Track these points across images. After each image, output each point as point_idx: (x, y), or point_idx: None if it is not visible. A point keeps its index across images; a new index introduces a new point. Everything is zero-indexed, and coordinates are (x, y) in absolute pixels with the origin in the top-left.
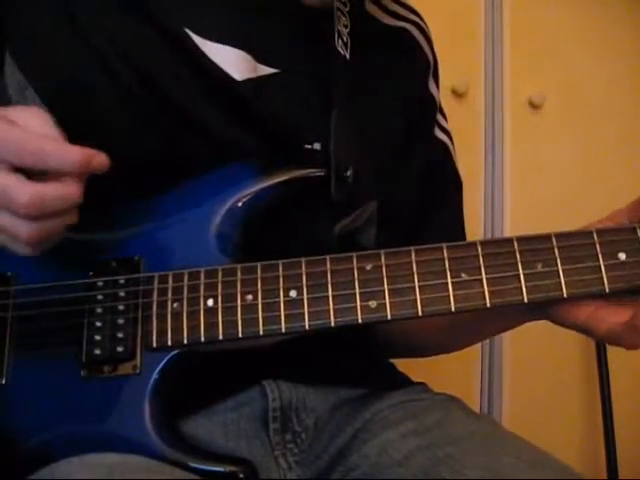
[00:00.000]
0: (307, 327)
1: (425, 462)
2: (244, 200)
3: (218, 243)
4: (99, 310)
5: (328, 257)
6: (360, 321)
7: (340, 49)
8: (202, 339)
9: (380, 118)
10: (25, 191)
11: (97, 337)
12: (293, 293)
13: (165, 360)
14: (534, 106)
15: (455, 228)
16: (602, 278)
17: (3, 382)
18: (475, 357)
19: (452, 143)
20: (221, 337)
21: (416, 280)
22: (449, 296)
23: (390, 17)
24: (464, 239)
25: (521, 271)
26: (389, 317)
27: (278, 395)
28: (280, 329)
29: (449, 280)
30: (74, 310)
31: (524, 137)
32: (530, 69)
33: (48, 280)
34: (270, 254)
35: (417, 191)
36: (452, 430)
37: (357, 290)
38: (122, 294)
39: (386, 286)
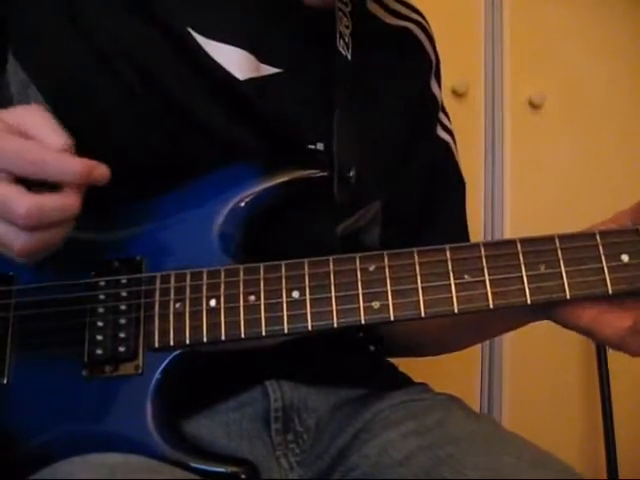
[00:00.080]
0: (310, 328)
1: (426, 462)
2: (247, 200)
3: (220, 243)
4: (101, 310)
5: (331, 258)
6: (363, 322)
7: (342, 50)
8: (204, 339)
9: (382, 118)
10: (23, 202)
11: (99, 337)
12: (296, 294)
13: (167, 360)
14: (534, 106)
15: (458, 228)
16: (605, 280)
17: (5, 382)
18: (475, 357)
19: (454, 142)
20: (223, 338)
21: (419, 281)
22: (452, 297)
23: (392, 16)
24: (467, 238)
25: (524, 272)
26: (392, 318)
27: (280, 395)
28: (283, 330)
29: (452, 281)
30: (76, 310)
31: (524, 137)
32: (530, 69)
33: (50, 280)
34: (272, 254)
35: (420, 190)
36: (453, 430)
37: (360, 291)
38: (124, 294)
39: (389, 287)
